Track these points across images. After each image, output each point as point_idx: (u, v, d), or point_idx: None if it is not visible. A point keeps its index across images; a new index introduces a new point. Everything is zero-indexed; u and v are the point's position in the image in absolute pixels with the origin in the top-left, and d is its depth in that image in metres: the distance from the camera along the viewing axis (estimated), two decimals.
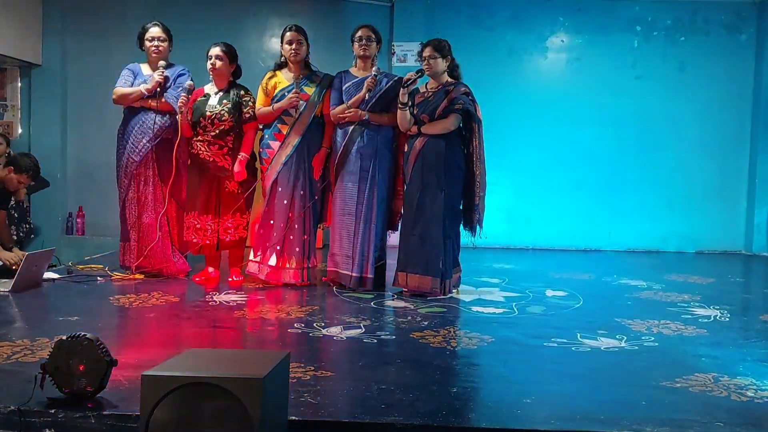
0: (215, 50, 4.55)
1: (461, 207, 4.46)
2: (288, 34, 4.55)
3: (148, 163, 4.65)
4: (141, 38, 4.70)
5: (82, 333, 2.29)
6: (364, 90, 4.42)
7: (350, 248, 4.49)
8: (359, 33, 4.54)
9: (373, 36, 4.54)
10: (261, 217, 4.63)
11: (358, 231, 4.48)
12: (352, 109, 4.44)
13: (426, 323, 3.66)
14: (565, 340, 3.35)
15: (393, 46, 6.95)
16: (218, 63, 4.54)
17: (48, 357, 2.27)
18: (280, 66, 4.65)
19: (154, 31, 4.67)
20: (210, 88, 4.65)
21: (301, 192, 4.56)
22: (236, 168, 4.53)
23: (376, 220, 4.50)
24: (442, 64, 4.36)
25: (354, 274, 4.46)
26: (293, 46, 4.52)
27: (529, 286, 4.85)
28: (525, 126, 7.16)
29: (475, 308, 4.12)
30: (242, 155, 4.55)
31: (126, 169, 4.67)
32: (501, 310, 4.07)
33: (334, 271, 4.58)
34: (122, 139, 4.71)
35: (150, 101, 4.62)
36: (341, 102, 4.52)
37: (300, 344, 3.23)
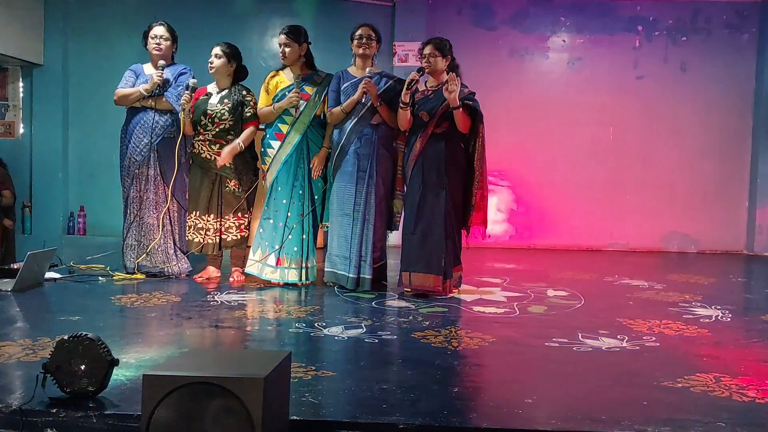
0: (215, 49, 4.61)
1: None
2: (279, 37, 4.58)
3: (149, 162, 4.66)
4: (145, 37, 4.72)
5: (84, 333, 2.30)
6: (358, 93, 4.42)
7: (347, 249, 4.48)
8: (359, 32, 4.53)
9: (373, 35, 4.53)
10: (261, 216, 4.64)
11: (355, 232, 4.47)
12: (367, 81, 4.37)
13: (427, 323, 3.66)
14: (566, 340, 3.35)
15: (394, 46, 6.95)
16: (216, 62, 4.58)
17: (49, 356, 2.28)
18: (282, 66, 4.66)
19: (158, 29, 4.69)
20: (213, 87, 4.69)
21: (300, 191, 4.57)
22: (224, 150, 4.52)
23: (375, 220, 4.49)
24: (441, 63, 4.36)
25: (351, 275, 4.46)
26: (281, 49, 4.55)
27: (530, 286, 4.85)
28: (526, 126, 7.14)
29: (476, 308, 4.12)
30: (237, 143, 4.54)
31: (128, 168, 4.70)
32: (502, 310, 4.07)
33: (332, 271, 4.58)
34: (125, 138, 4.73)
35: (149, 100, 4.63)
36: (339, 103, 4.52)
37: (301, 344, 3.23)
